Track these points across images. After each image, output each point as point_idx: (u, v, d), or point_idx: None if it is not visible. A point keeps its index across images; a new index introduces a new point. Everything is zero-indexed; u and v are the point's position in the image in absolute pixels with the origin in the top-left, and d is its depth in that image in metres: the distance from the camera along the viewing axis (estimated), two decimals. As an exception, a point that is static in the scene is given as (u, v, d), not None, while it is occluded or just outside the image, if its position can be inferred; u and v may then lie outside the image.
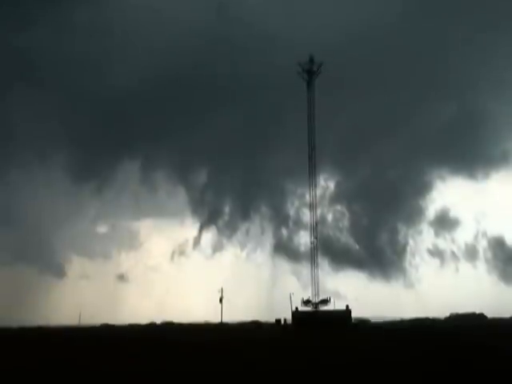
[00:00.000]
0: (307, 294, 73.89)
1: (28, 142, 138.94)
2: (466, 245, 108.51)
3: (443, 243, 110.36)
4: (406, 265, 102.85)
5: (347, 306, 70.44)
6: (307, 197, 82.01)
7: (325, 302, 72.84)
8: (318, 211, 76.87)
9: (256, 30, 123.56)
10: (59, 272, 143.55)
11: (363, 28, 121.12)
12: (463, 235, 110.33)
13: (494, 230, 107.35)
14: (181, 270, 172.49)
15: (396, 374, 15.84)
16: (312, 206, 76.27)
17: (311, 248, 75.21)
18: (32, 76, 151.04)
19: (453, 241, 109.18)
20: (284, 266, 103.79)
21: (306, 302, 73.03)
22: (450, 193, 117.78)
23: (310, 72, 79.53)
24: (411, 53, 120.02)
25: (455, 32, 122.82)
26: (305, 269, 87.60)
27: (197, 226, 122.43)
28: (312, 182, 77.00)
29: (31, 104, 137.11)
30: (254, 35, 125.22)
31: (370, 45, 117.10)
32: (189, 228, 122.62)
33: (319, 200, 78.71)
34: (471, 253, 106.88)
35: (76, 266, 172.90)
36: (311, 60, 79.69)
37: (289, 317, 73.68)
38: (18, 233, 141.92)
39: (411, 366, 17.84)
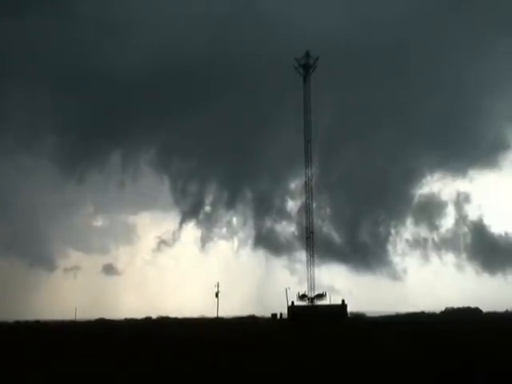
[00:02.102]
0: (299, 288, 74.43)
1: (14, 128, 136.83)
2: (454, 236, 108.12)
3: (433, 235, 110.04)
4: (396, 258, 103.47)
5: (343, 301, 70.91)
6: (299, 188, 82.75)
7: (320, 296, 73.21)
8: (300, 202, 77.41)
9: (256, 21, 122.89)
10: (52, 265, 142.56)
11: (359, 23, 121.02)
12: (452, 226, 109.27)
13: (481, 221, 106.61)
14: (175, 263, 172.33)
15: (399, 373, 15.89)
16: (308, 200, 76.42)
17: (307, 243, 75.43)
18: (22, 62, 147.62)
19: (441, 232, 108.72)
20: (276, 259, 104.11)
21: (302, 297, 73.39)
22: (438, 183, 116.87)
23: (307, 66, 79.67)
24: (404, 46, 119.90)
25: (448, 25, 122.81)
26: (297, 262, 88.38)
27: (187, 219, 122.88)
28: (308, 175, 77.13)
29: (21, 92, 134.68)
30: (254, 26, 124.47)
31: (366, 40, 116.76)
32: (181, 221, 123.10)
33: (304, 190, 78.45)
34: (460, 245, 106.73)
35: (70, 259, 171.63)
36: (307, 54, 79.85)
37: (284, 311, 74.30)
38: (7, 224, 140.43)
39: (418, 364, 17.89)
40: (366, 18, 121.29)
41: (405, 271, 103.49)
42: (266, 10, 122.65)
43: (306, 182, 77.06)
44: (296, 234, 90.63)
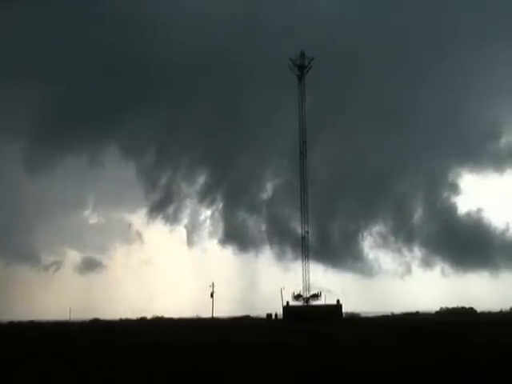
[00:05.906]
0: (290, 287, 74.74)
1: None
2: (436, 235, 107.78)
3: (423, 234, 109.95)
4: (387, 258, 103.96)
5: (338, 301, 71.00)
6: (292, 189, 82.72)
7: (315, 296, 73.42)
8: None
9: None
10: (42, 264, 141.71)
11: (358, 24, 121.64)
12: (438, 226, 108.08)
13: (456, 218, 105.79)
14: (166, 263, 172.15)
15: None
16: (303, 200, 76.37)
17: (302, 243, 75.52)
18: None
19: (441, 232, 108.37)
20: (267, 258, 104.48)
21: (297, 297, 73.57)
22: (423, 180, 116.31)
23: (302, 67, 79.85)
24: (400, 48, 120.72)
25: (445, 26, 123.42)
26: (289, 262, 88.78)
27: (178, 218, 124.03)
28: (303, 176, 77.02)
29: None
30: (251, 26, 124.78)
31: (363, 40, 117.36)
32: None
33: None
34: (441, 245, 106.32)
35: (64, 258, 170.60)
36: (302, 55, 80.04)
37: (279, 311, 74.49)
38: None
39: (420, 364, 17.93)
40: (363, 19, 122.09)
41: (397, 271, 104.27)
42: (265, 11, 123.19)
43: (301, 183, 77.12)
44: (290, 233, 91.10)
